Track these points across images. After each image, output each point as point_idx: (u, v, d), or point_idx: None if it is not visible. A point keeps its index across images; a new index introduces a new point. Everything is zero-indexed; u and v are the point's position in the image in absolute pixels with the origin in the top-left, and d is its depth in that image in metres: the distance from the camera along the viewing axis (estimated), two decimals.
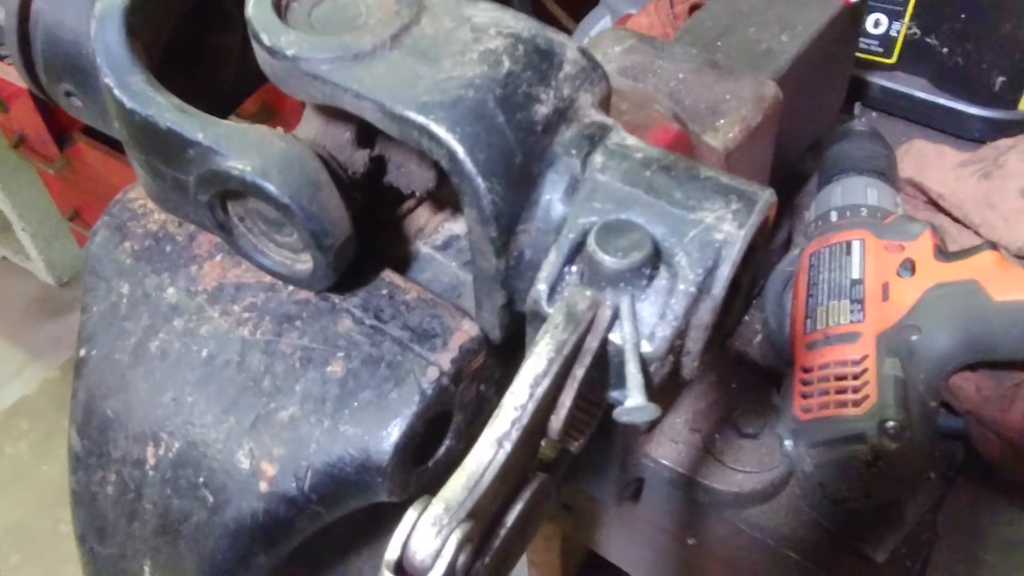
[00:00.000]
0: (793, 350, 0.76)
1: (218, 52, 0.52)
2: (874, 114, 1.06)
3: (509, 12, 0.42)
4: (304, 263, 0.43)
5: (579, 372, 0.36)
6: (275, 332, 0.45)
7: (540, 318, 0.38)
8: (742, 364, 0.82)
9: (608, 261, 0.36)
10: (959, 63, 1.00)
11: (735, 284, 0.38)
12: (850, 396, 0.69)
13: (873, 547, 0.70)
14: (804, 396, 0.72)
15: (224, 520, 0.44)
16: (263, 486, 0.43)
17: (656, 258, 0.37)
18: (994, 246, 0.75)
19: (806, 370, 0.73)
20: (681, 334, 0.37)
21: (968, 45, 0.98)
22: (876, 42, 1.04)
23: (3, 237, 2.48)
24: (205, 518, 0.45)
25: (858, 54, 1.01)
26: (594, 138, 0.40)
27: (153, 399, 0.46)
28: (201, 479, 0.45)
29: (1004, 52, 0.97)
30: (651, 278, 0.37)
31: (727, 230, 0.37)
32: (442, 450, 0.44)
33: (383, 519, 0.49)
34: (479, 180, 0.37)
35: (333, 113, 0.45)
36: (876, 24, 1.03)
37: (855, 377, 0.70)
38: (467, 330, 0.43)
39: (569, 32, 1.41)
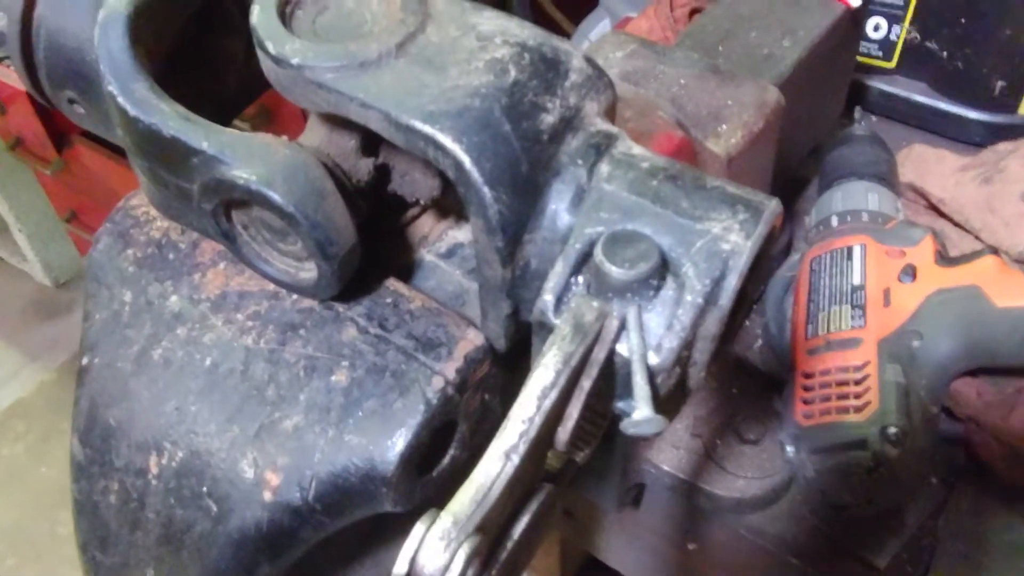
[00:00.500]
0: (794, 355, 0.76)
1: (221, 57, 0.52)
2: (874, 118, 1.07)
3: (515, 20, 0.41)
4: (308, 272, 0.43)
5: (586, 383, 0.36)
6: (279, 341, 0.45)
7: (547, 329, 0.38)
8: (743, 369, 0.82)
9: (615, 272, 0.36)
10: (959, 67, 1.00)
11: (741, 293, 0.38)
12: (852, 402, 0.69)
13: (874, 553, 0.70)
14: (805, 402, 0.72)
15: (228, 530, 0.44)
16: (267, 496, 0.43)
17: (663, 269, 0.37)
18: (995, 251, 0.76)
19: (807, 376, 0.73)
20: (688, 345, 0.37)
21: (968, 49, 0.98)
22: (876, 46, 1.04)
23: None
24: (208, 528, 0.45)
25: (858, 58, 1.01)
26: (600, 147, 0.40)
27: (156, 408, 0.46)
28: (204, 488, 0.44)
29: (1004, 56, 0.97)
30: (658, 289, 0.37)
31: (734, 240, 0.37)
32: (447, 460, 0.44)
33: (386, 528, 0.49)
34: (485, 190, 0.37)
35: (338, 121, 0.44)
36: (876, 28, 1.03)
37: (857, 383, 0.70)
38: (472, 339, 0.43)
39: (568, 35, 1.41)
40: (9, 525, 2.03)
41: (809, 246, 0.83)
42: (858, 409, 0.69)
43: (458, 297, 0.48)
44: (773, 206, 0.38)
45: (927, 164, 0.92)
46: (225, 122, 0.43)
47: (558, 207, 0.39)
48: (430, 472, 0.43)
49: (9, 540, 2.01)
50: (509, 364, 0.45)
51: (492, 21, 0.41)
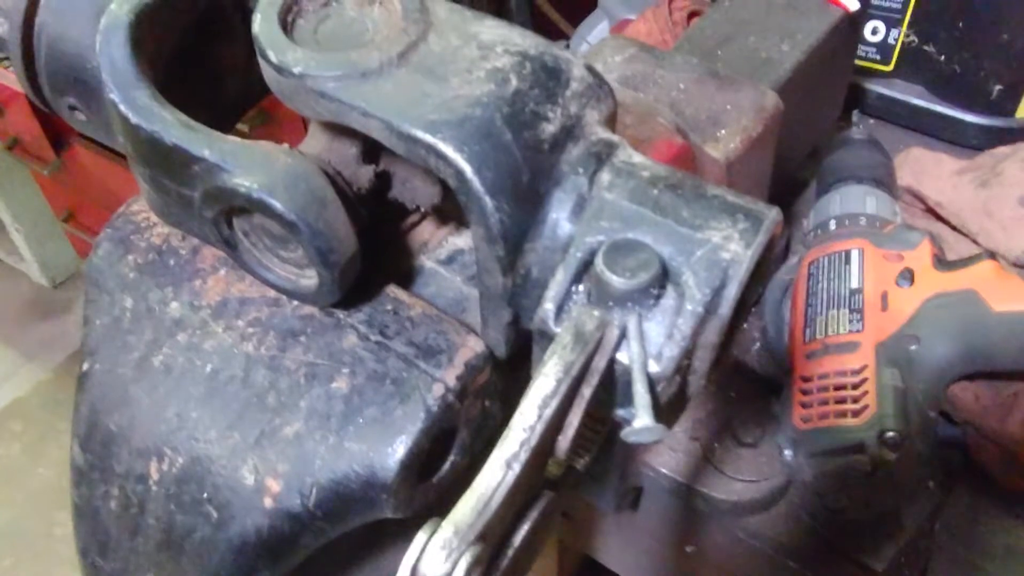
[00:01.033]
0: (792, 359, 0.77)
1: (222, 64, 0.52)
2: (872, 122, 1.07)
3: (516, 29, 0.42)
4: (309, 279, 0.43)
5: (587, 392, 0.36)
6: (279, 347, 0.45)
7: (547, 337, 0.38)
8: (741, 373, 0.82)
9: (616, 281, 0.36)
10: (957, 71, 1.00)
11: (740, 301, 0.38)
12: (849, 406, 0.70)
13: (872, 556, 0.71)
14: (803, 405, 0.73)
15: (228, 536, 0.44)
16: (267, 502, 0.43)
17: (663, 278, 0.37)
18: (992, 255, 0.76)
19: (805, 379, 0.74)
20: (688, 354, 0.37)
21: (966, 53, 0.99)
22: (874, 50, 1.04)
23: None
24: (209, 534, 0.45)
25: (856, 62, 1.02)
26: (601, 156, 0.40)
27: (157, 414, 0.46)
28: (205, 495, 0.45)
29: (1002, 60, 0.97)
30: (658, 297, 0.37)
31: (734, 249, 0.37)
32: (447, 466, 0.44)
33: (386, 535, 0.49)
34: (487, 199, 0.37)
35: (339, 129, 0.45)
36: (874, 32, 1.03)
37: (854, 387, 0.70)
38: (472, 346, 0.43)
39: (566, 36, 1.41)
40: (5, 525, 2.03)
41: (807, 249, 0.83)
42: (856, 413, 0.69)
43: (458, 304, 0.48)
44: (773, 215, 0.38)
45: (925, 168, 0.92)
46: (225, 129, 0.43)
47: (559, 216, 0.39)
48: (430, 479, 0.43)
49: (6, 540, 2.01)
50: (509, 370, 0.45)
51: (493, 30, 0.41)
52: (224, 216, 0.43)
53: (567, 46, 1.29)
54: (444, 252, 0.50)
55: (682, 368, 0.37)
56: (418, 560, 0.32)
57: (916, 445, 0.68)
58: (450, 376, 0.42)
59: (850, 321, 0.74)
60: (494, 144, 0.38)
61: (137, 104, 0.42)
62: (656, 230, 0.38)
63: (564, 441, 0.37)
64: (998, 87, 0.98)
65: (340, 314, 0.45)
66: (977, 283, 0.72)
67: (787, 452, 0.73)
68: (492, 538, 0.34)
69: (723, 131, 0.69)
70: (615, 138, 0.41)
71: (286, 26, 0.41)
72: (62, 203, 2.22)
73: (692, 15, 0.97)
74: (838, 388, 0.71)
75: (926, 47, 1.01)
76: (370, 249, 0.44)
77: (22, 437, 2.20)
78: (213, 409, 0.45)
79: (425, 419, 0.41)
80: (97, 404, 0.48)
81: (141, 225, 0.49)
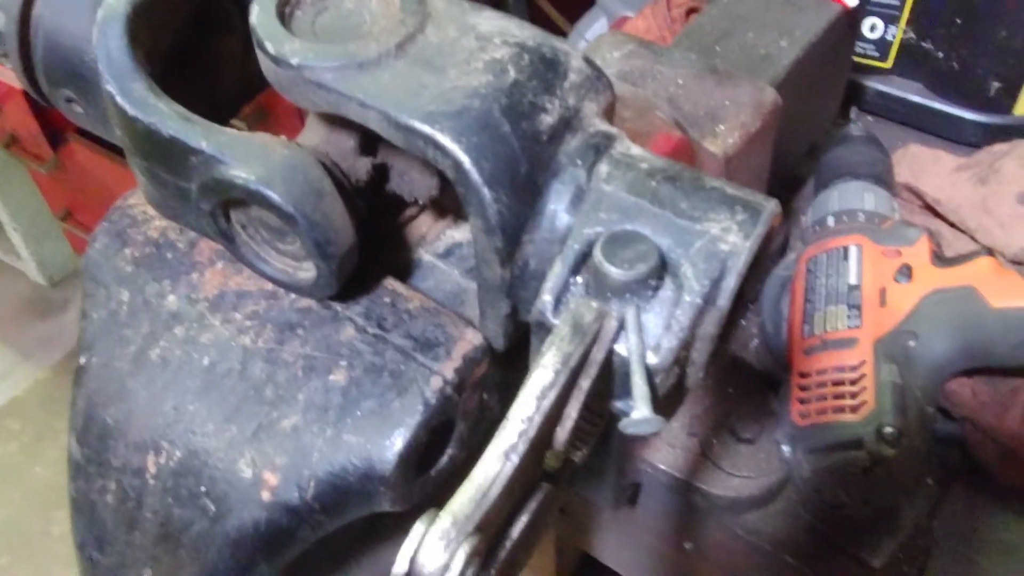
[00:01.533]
0: (790, 355, 0.77)
1: (219, 56, 0.52)
2: (870, 118, 1.07)
3: (514, 21, 0.41)
4: (307, 271, 0.43)
5: (585, 383, 0.36)
6: (277, 340, 0.45)
7: (545, 329, 0.38)
8: (739, 369, 0.82)
9: (614, 272, 0.36)
10: (955, 68, 1.00)
11: (739, 294, 0.38)
12: (848, 402, 0.70)
13: (870, 552, 0.71)
14: (802, 401, 0.73)
15: (226, 529, 0.44)
16: (265, 495, 0.43)
17: (662, 269, 0.37)
18: (990, 251, 0.76)
19: (804, 375, 0.74)
20: (686, 345, 0.37)
21: (964, 50, 0.99)
22: (872, 46, 1.04)
23: None
24: (206, 527, 0.45)
25: (854, 58, 1.02)
26: (599, 148, 0.40)
27: (154, 407, 0.46)
28: (202, 488, 0.44)
29: (999, 57, 0.97)
30: (656, 289, 0.37)
31: (733, 241, 0.37)
32: (445, 459, 0.44)
33: (384, 527, 0.49)
34: (485, 190, 0.37)
35: (336, 121, 0.44)
36: (872, 28, 1.03)
37: (852, 383, 0.70)
38: (470, 339, 0.43)
39: (564, 34, 1.41)
40: (3, 524, 2.02)
41: (805, 246, 0.83)
42: (854, 409, 0.69)
43: (456, 297, 0.48)
44: (771, 207, 0.38)
45: (923, 164, 0.92)
46: (223, 122, 0.43)
47: (557, 207, 0.39)
48: (428, 472, 0.43)
49: (3, 539, 2.00)
50: (507, 363, 0.45)
51: (491, 21, 0.41)
52: (221, 208, 0.43)
53: None
54: (442, 245, 0.50)
55: (680, 360, 0.37)
56: (416, 551, 0.32)
57: (914, 441, 0.68)
58: (448, 369, 0.42)
59: (848, 317, 0.74)
60: (492, 135, 0.38)
61: (134, 96, 0.42)
62: (654, 222, 0.38)
63: (562, 433, 0.37)
64: (996, 84, 0.98)
65: (338, 307, 0.45)
66: (975, 279, 0.72)
67: (785, 448, 0.73)
68: (490, 530, 0.34)
69: (721, 126, 0.69)
70: (613, 130, 0.41)
71: (284, 18, 0.41)
72: (59, 201, 2.22)
73: (690, 12, 0.97)
74: (836, 384, 0.71)
75: (924, 44, 1.01)
76: (368, 242, 0.44)
77: (20, 436, 2.19)
78: (210, 402, 0.45)
79: (423, 412, 0.41)
80: (94, 398, 0.48)
81: (138, 218, 0.49)
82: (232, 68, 0.52)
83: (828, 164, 0.91)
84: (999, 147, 0.93)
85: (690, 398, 0.77)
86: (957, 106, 1.02)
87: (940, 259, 0.75)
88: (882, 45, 1.04)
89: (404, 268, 0.49)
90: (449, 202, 0.49)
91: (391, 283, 0.46)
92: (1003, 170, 0.87)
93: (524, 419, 0.34)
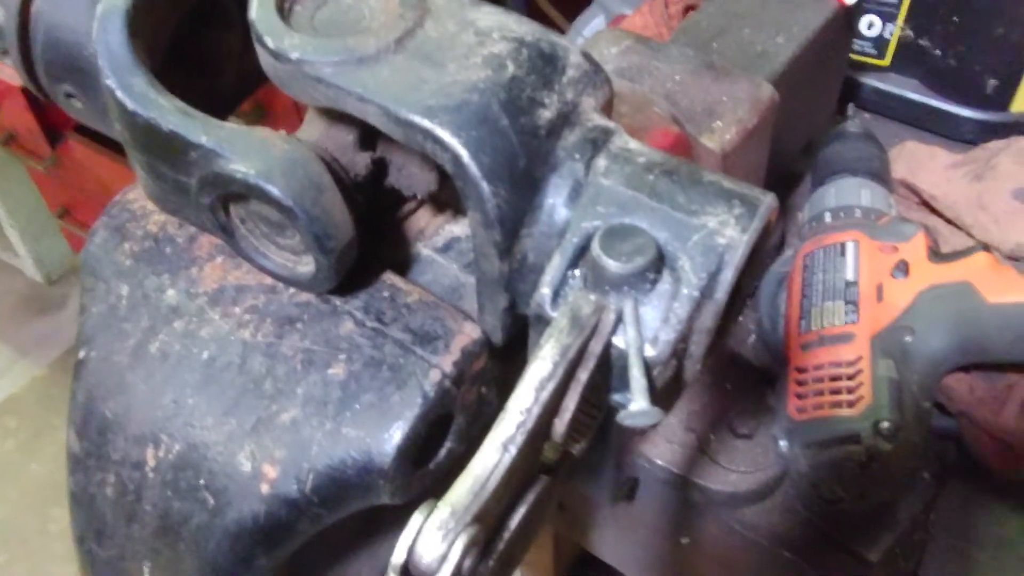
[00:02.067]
0: (788, 351, 0.77)
1: (218, 51, 0.52)
2: (867, 115, 1.07)
3: (512, 16, 0.42)
4: (306, 265, 0.43)
5: (583, 376, 0.36)
6: (276, 334, 0.45)
7: (544, 322, 0.38)
8: (737, 364, 0.82)
9: (612, 265, 0.36)
10: (951, 65, 1.00)
11: (736, 288, 0.39)
12: (844, 397, 0.70)
13: (867, 546, 0.71)
14: (799, 397, 0.73)
15: (225, 522, 0.44)
16: (264, 488, 0.43)
17: (659, 262, 0.37)
18: (986, 247, 0.76)
19: (801, 371, 0.74)
20: (684, 338, 0.37)
21: (960, 47, 0.99)
22: (870, 44, 1.04)
23: None
24: (206, 520, 0.45)
25: (851, 56, 1.02)
26: (597, 142, 0.40)
27: (153, 401, 0.46)
28: (202, 481, 0.45)
29: (996, 54, 0.97)
30: (654, 282, 0.37)
31: (730, 235, 0.37)
32: (443, 452, 0.44)
33: (383, 520, 0.49)
34: (484, 184, 0.37)
35: (336, 116, 0.45)
36: (869, 26, 1.03)
37: (849, 378, 0.70)
38: (469, 332, 0.43)
39: (563, 31, 1.41)
40: (0, 522, 2.02)
41: (802, 242, 0.84)
42: (851, 404, 0.69)
43: (455, 291, 0.48)
44: (769, 200, 0.38)
45: (919, 161, 0.92)
46: (222, 117, 0.43)
47: (555, 201, 0.39)
48: (427, 465, 0.44)
49: (0, 536, 2.00)
50: (506, 357, 0.45)
51: (490, 16, 0.41)
52: (221, 203, 0.43)
53: None
54: (440, 240, 0.50)
55: (678, 352, 0.38)
56: (414, 541, 0.32)
57: (911, 436, 0.68)
58: (447, 362, 0.42)
59: (845, 313, 0.74)
60: (491, 129, 0.38)
61: (134, 90, 0.42)
62: (652, 215, 0.38)
63: (560, 425, 0.37)
64: (992, 81, 0.99)
65: (337, 301, 0.45)
66: (972, 275, 0.72)
67: (782, 443, 0.73)
68: (488, 520, 0.34)
69: (719, 122, 0.70)
70: (611, 124, 0.41)
71: (283, 12, 0.41)
72: (57, 199, 2.21)
73: (688, 9, 0.97)
74: (833, 379, 0.71)
75: (921, 41, 1.02)
76: (367, 236, 0.44)
77: (17, 433, 2.19)
78: (210, 396, 0.45)
79: (422, 405, 0.41)
80: (93, 391, 0.48)
81: (137, 213, 0.49)
82: (231, 63, 0.52)
83: (825, 160, 0.91)
84: (995, 144, 0.93)
85: (687, 394, 0.78)
86: (954, 103, 1.02)
87: (936, 255, 0.75)
88: (879, 43, 1.04)
89: (403, 262, 0.49)
90: (448, 197, 0.49)
91: (390, 277, 0.46)
92: (999, 166, 0.88)
93: (522, 410, 0.34)
